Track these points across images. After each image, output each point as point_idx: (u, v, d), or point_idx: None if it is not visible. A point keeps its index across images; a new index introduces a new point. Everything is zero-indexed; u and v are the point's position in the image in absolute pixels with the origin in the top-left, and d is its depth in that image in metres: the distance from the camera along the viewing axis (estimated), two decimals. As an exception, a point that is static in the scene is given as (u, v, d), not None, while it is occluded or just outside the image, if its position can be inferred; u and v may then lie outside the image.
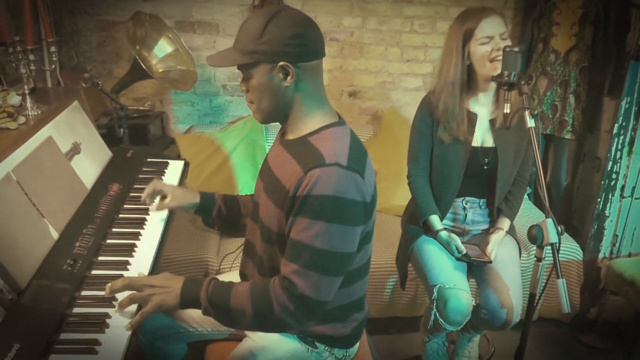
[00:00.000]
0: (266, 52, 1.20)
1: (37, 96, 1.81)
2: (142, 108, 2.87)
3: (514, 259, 1.97)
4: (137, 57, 2.53)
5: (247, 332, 1.45)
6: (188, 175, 2.15)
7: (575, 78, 2.73)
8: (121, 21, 2.85)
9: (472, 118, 1.91)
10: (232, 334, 1.55)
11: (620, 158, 2.51)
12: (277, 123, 1.34)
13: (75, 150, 1.73)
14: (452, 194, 1.97)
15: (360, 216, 1.21)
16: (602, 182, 2.56)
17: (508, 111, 1.74)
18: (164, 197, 1.59)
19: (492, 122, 1.93)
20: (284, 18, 1.20)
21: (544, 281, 1.63)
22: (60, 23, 2.74)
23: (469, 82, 1.88)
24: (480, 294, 1.90)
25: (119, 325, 1.18)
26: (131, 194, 1.77)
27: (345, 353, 1.45)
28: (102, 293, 1.25)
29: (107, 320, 1.18)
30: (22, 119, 1.63)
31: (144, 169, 1.98)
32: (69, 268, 1.32)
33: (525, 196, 2.94)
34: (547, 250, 1.58)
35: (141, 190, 1.80)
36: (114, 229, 1.56)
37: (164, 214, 1.66)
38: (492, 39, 1.78)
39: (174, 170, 2.01)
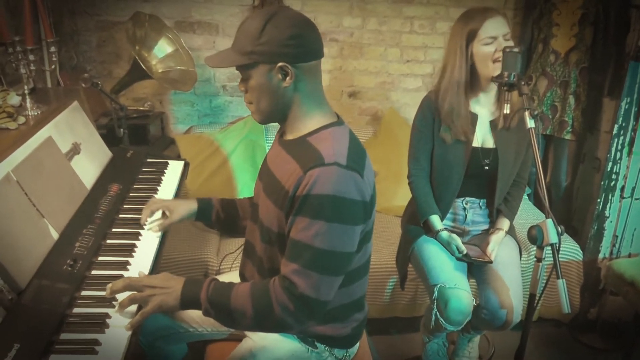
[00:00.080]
0: (265, 52, 1.20)
1: (37, 96, 1.81)
2: (141, 108, 2.87)
3: (514, 260, 1.97)
4: (136, 57, 2.53)
5: (247, 333, 1.45)
6: (188, 176, 2.15)
7: (575, 79, 2.74)
8: (121, 21, 2.85)
9: (472, 118, 1.91)
10: (232, 334, 1.54)
11: (620, 159, 2.51)
12: (277, 123, 1.34)
13: (75, 150, 1.73)
14: (452, 194, 1.97)
15: (359, 215, 1.21)
16: (602, 183, 2.56)
17: (508, 112, 1.74)
18: (163, 214, 1.59)
19: (492, 122, 1.93)
20: (282, 19, 1.20)
21: (544, 281, 1.63)
22: (60, 23, 2.74)
23: (470, 83, 1.88)
24: (481, 294, 1.90)
25: (119, 325, 1.18)
26: (131, 194, 1.77)
27: (345, 353, 1.45)
28: (102, 293, 1.25)
29: (107, 321, 1.18)
30: (22, 119, 1.63)
31: (144, 169, 1.97)
32: (69, 268, 1.32)
33: (525, 197, 2.95)
34: (547, 250, 1.58)
35: (141, 190, 1.82)
36: (114, 229, 1.56)
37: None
38: (495, 40, 1.78)
39: (173, 171, 2.01)
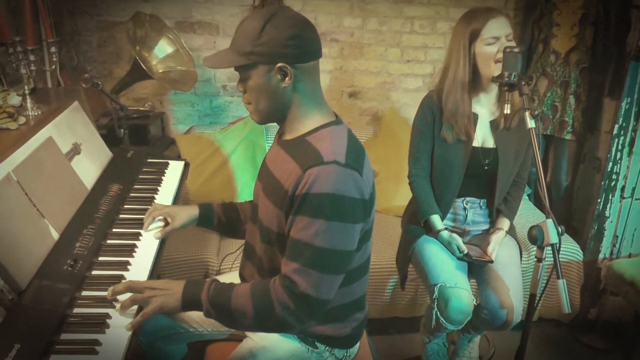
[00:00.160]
0: (264, 53, 1.20)
1: (37, 96, 1.81)
2: (142, 108, 2.87)
3: (515, 260, 1.97)
4: (137, 57, 2.53)
5: (247, 333, 1.45)
6: (188, 176, 2.15)
7: (576, 79, 2.73)
8: (121, 21, 2.85)
9: (473, 118, 1.90)
10: (232, 334, 1.55)
11: (621, 159, 2.51)
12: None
13: (75, 150, 1.73)
14: (452, 194, 1.97)
15: (359, 213, 1.22)
16: (602, 183, 2.56)
17: (508, 112, 1.74)
18: (164, 221, 1.59)
19: (492, 122, 1.93)
20: (281, 19, 1.20)
21: (544, 282, 1.62)
22: (61, 23, 2.74)
23: (472, 82, 1.88)
24: (481, 294, 1.90)
25: (120, 325, 1.18)
26: (131, 195, 1.77)
27: (346, 353, 1.45)
28: (102, 293, 1.25)
29: (108, 321, 1.18)
30: (22, 120, 1.63)
31: (144, 169, 1.97)
32: (70, 268, 1.32)
33: (526, 197, 2.95)
34: (548, 250, 1.58)
35: (141, 190, 1.81)
36: (114, 230, 1.55)
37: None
38: (498, 40, 1.78)
39: (174, 171, 2.01)
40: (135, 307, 1.23)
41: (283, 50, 1.20)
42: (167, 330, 1.56)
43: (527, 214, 2.78)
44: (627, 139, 2.49)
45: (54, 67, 2.30)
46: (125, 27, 2.66)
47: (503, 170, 1.92)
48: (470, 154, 1.91)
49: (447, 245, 1.92)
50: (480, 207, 2.01)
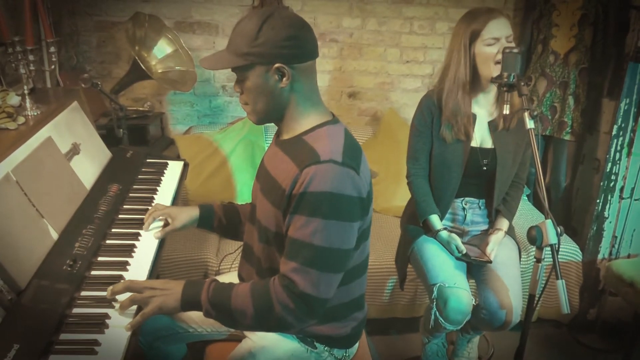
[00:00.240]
0: (262, 54, 1.20)
1: (36, 96, 1.81)
2: (141, 109, 2.87)
3: (514, 260, 1.97)
4: (136, 57, 2.54)
5: (247, 333, 1.45)
6: (187, 176, 2.15)
7: (575, 79, 2.74)
8: (121, 22, 2.85)
9: (472, 118, 1.91)
10: (232, 334, 1.55)
11: (620, 159, 2.51)
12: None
13: (74, 150, 1.73)
14: (451, 194, 1.97)
15: (356, 212, 1.22)
16: (601, 183, 2.57)
17: (508, 112, 1.74)
18: (165, 221, 1.59)
19: (491, 123, 1.93)
20: (278, 19, 1.21)
21: (544, 282, 1.63)
22: (60, 23, 2.74)
23: (471, 83, 1.88)
24: (480, 294, 1.90)
25: (119, 325, 1.18)
26: (131, 195, 1.77)
27: (345, 353, 1.44)
28: (101, 293, 1.25)
29: (107, 321, 1.18)
30: (21, 119, 1.63)
31: (144, 169, 1.97)
32: (69, 268, 1.31)
33: (525, 197, 2.95)
34: (547, 251, 1.58)
35: (141, 190, 1.81)
36: (113, 230, 1.55)
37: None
38: (498, 41, 1.78)
39: (173, 171, 2.01)
40: (134, 307, 1.23)
41: (280, 50, 1.20)
42: (167, 330, 1.56)
43: (526, 215, 2.78)
44: (626, 140, 2.49)
45: (53, 67, 2.29)
46: (124, 27, 2.66)
47: (501, 170, 1.92)
48: (469, 154, 1.91)
49: (446, 245, 1.92)
50: (479, 208, 2.02)
